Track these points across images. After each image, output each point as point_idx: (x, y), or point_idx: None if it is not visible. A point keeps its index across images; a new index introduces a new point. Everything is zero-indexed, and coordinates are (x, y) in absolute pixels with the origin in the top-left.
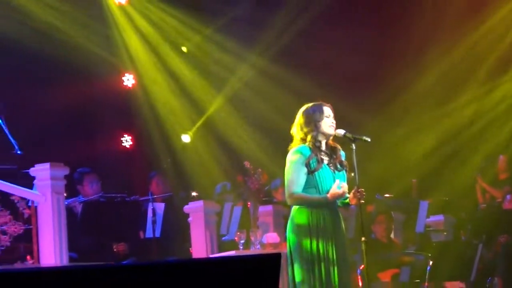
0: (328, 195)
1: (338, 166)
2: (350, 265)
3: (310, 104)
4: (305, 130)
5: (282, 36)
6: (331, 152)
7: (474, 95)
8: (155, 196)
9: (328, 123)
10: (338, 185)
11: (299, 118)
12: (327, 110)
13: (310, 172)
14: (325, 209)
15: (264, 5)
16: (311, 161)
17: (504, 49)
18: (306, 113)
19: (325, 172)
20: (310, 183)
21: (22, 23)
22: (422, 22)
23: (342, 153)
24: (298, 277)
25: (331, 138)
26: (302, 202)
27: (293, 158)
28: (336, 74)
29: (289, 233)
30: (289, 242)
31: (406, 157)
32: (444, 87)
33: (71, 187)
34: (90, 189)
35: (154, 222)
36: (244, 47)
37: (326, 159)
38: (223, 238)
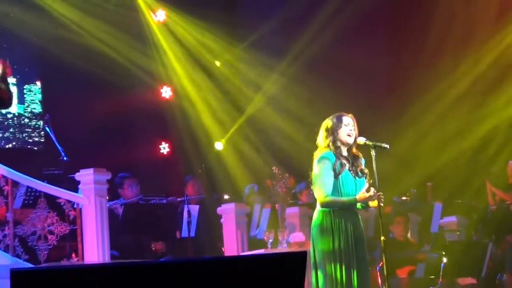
0: (357, 197)
1: (359, 173)
2: (369, 264)
3: (332, 115)
4: (327, 138)
5: (310, 47)
6: (353, 159)
7: (485, 104)
8: (190, 198)
9: (346, 131)
10: (366, 190)
11: (322, 128)
12: (346, 119)
13: (335, 176)
14: (347, 211)
15: (291, 22)
16: (336, 166)
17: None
18: (327, 124)
19: (346, 177)
20: (334, 187)
21: (70, 42)
22: (437, 29)
23: (363, 161)
24: (321, 277)
25: (355, 146)
26: (334, 204)
27: (322, 163)
28: (357, 82)
29: (313, 235)
30: (313, 243)
31: (421, 161)
32: (458, 94)
33: (113, 191)
34: (130, 192)
35: (189, 222)
36: (274, 59)
37: (347, 165)
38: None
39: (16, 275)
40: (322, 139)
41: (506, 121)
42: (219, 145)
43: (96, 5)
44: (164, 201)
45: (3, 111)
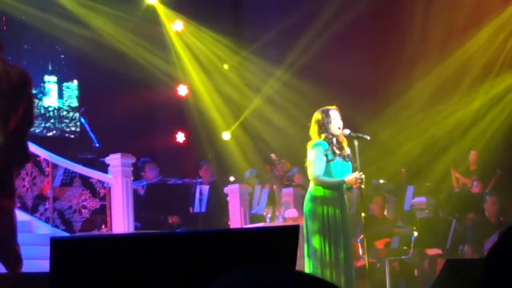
0: (346, 179)
1: (346, 158)
2: (352, 236)
3: (320, 110)
4: (319, 131)
5: (303, 56)
6: (341, 147)
7: (452, 103)
8: (203, 180)
9: (335, 125)
10: (356, 174)
11: (313, 123)
12: (333, 113)
13: (327, 161)
14: (335, 195)
15: (289, 31)
16: (328, 153)
17: (474, 70)
18: (318, 119)
19: (337, 163)
20: (326, 170)
21: (103, 48)
22: (411, 44)
23: (347, 149)
24: (313, 242)
25: (340, 135)
26: (324, 184)
27: (315, 149)
28: (343, 85)
29: (306, 203)
30: (305, 211)
31: (397, 151)
32: (428, 96)
33: (137, 173)
34: (150, 175)
35: (200, 200)
36: (272, 65)
37: (338, 152)
38: (253, 212)
39: (55, 243)
40: (314, 133)
41: (468, 117)
42: (226, 135)
43: (126, 18)
44: (180, 182)
45: (45, 104)
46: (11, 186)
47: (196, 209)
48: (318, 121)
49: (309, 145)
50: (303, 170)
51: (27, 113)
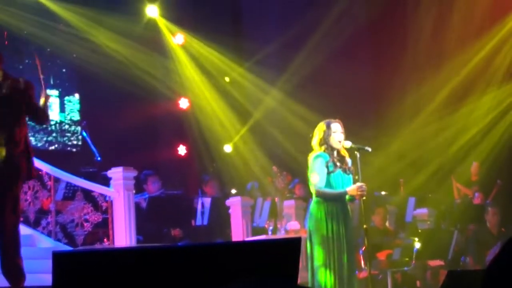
0: (347, 190)
1: (347, 171)
2: (355, 248)
3: (323, 122)
4: (321, 145)
5: (303, 68)
6: (342, 159)
7: (452, 115)
8: (208, 197)
9: (336, 139)
10: (357, 184)
11: (314, 134)
12: (335, 126)
13: (328, 172)
14: (338, 202)
15: (290, 44)
16: (329, 165)
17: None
18: (319, 130)
19: (338, 175)
20: (327, 182)
21: (104, 61)
22: (411, 54)
23: (349, 161)
24: (316, 258)
25: (342, 148)
26: (326, 195)
27: (316, 161)
28: (344, 96)
29: (309, 221)
30: (309, 228)
31: (397, 161)
32: (428, 109)
33: (139, 185)
34: (153, 188)
35: (202, 213)
36: (273, 77)
37: (338, 164)
38: (255, 225)
39: (57, 256)
40: (316, 144)
41: (471, 127)
42: (228, 148)
43: (127, 32)
44: (181, 193)
45: None
46: (15, 201)
47: (198, 221)
48: (319, 133)
49: (310, 156)
50: (304, 182)
51: (36, 111)
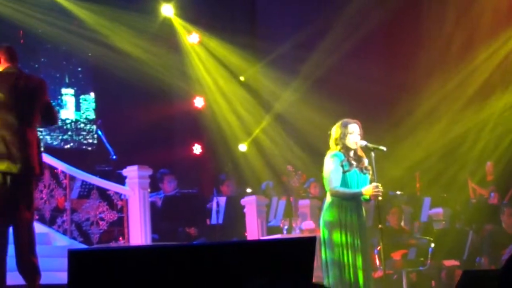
0: (363, 190)
1: (363, 170)
2: (369, 247)
3: (341, 121)
4: (337, 144)
5: (318, 69)
6: (358, 159)
7: (467, 115)
8: (227, 196)
9: (351, 139)
10: (373, 185)
11: (333, 133)
12: (352, 127)
13: (344, 172)
14: (353, 203)
15: (303, 45)
16: (344, 164)
17: (485, 82)
18: (336, 130)
19: (353, 174)
20: (342, 181)
21: (119, 60)
22: (425, 55)
23: (365, 161)
24: (330, 259)
25: (359, 148)
26: (341, 194)
27: (331, 160)
28: (358, 97)
29: (322, 227)
30: (323, 235)
31: (412, 162)
32: (443, 109)
33: (155, 184)
34: (168, 186)
35: (217, 212)
36: (287, 77)
37: (354, 164)
38: (270, 224)
39: (72, 255)
40: (332, 143)
41: (484, 127)
42: (243, 147)
43: (142, 31)
44: (196, 192)
45: (63, 117)
46: (30, 199)
47: (213, 220)
48: (336, 132)
49: (326, 155)
50: (319, 181)
51: (48, 111)
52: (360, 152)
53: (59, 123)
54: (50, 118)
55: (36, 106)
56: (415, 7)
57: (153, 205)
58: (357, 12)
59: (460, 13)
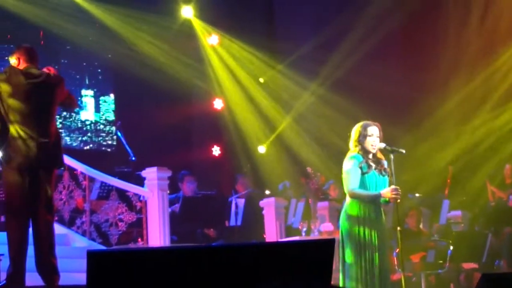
0: (382, 193)
1: (383, 172)
2: (388, 249)
3: (361, 123)
4: (356, 146)
5: (337, 70)
6: (377, 161)
7: (486, 117)
8: (240, 194)
9: (370, 142)
10: (392, 188)
11: (352, 135)
12: (371, 130)
13: (362, 173)
14: (372, 204)
15: (323, 46)
16: (362, 166)
17: (505, 84)
18: (355, 131)
19: (372, 175)
20: (361, 183)
21: (139, 61)
22: (445, 57)
23: (385, 163)
24: (348, 258)
25: (378, 150)
26: (359, 196)
27: (350, 162)
28: (378, 99)
29: (342, 222)
30: (342, 229)
31: (432, 166)
32: (462, 111)
33: (175, 185)
34: (188, 188)
35: (236, 213)
36: (307, 79)
37: (373, 166)
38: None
39: (92, 256)
40: (352, 145)
41: (504, 130)
42: (261, 149)
43: (162, 32)
44: (215, 194)
45: (82, 118)
46: (50, 200)
47: (232, 222)
48: (355, 134)
49: (346, 157)
50: (339, 183)
51: (68, 100)
52: (379, 154)
53: (79, 124)
54: (71, 105)
55: (55, 103)
56: (434, 8)
57: (172, 213)
58: (377, 13)
59: (480, 14)
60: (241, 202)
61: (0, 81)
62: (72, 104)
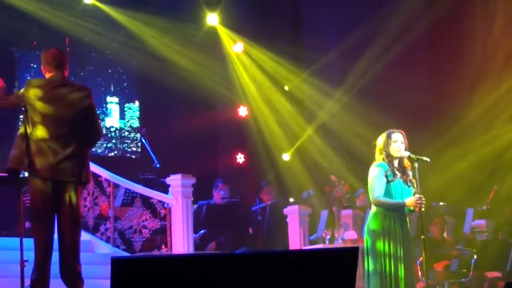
0: (406, 202)
1: (408, 182)
2: (412, 259)
3: (385, 133)
4: (381, 154)
5: (362, 78)
6: (403, 170)
7: (511, 126)
8: (265, 205)
9: (395, 148)
10: (416, 196)
11: (377, 144)
12: (395, 136)
13: (387, 182)
14: (397, 213)
15: (348, 53)
16: (388, 174)
17: None
18: (380, 140)
19: (398, 184)
20: (386, 191)
21: (164, 69)
22: (471, 65)
23: (410, 173)
24: (372, 269)
25: (405, 159)
26: (384, 204)
27: (376, 170)
28: (403, 107)
29: (365, 236)
30: (366, 243)
31: (457, 174)
32: (487, 119)
33: (205, 192)
34: (217, 194)
35: (260, 221)
36: (332, 86)
37: (399, 175)
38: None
39: (116, 262)
40: (377, 153)
41: None
42: (286, 156)
43: (187, 40)
44: (239, 201)
45: (107, 125)
46: (76, 206)
47: (256, 229)
48: (380, 143)
49: (372, 165)
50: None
51: (91, 123)
52: (405, 163)
53: (104, 131)
54: (92, 131)
55: (80, 115)
56: (460, 16)
57: (197, 213)
58: (403, 21)
59: (507, 22)
60: (265, 209)
61: (33, 87)
62: (95, 130)
